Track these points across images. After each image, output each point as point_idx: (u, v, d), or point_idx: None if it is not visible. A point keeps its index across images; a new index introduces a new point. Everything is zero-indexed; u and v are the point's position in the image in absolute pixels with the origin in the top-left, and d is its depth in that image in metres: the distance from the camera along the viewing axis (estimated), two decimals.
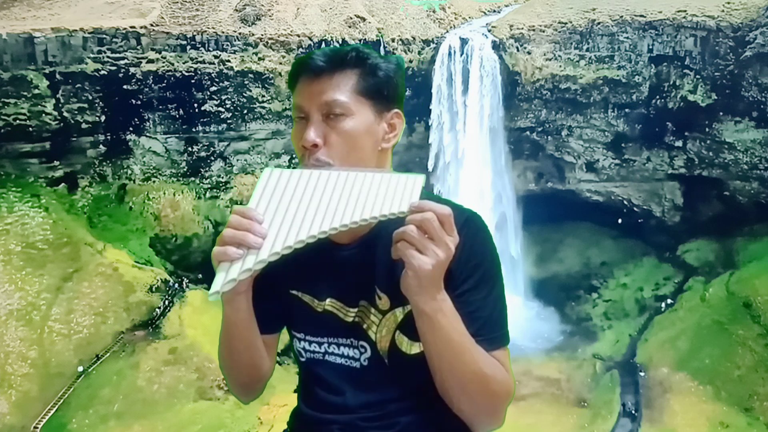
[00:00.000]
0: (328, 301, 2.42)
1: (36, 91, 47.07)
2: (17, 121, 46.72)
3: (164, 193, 50.74)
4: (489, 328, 2.22)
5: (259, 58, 51.59)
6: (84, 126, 48.85)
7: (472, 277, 2.22)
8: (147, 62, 49.80)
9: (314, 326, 2.45)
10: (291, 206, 2.02)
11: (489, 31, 55.11)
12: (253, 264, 1.92)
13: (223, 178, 52.33)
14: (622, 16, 52.19)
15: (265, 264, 1.95)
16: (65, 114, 48.26)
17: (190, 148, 51.76)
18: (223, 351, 2.42)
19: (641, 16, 51.77)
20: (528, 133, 55.41)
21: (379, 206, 2.02)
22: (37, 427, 36.44)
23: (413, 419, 2.38)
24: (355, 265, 2.35)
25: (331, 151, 2.25)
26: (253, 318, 2.33)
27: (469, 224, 2.24)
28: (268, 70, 51.48)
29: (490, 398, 2.18)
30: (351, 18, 53.56)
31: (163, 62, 50.17)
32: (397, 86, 2.38)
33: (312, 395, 2.51)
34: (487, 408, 2.21)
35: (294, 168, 2.19)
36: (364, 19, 53.77)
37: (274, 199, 2.04)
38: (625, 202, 55.24)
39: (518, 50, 53.77)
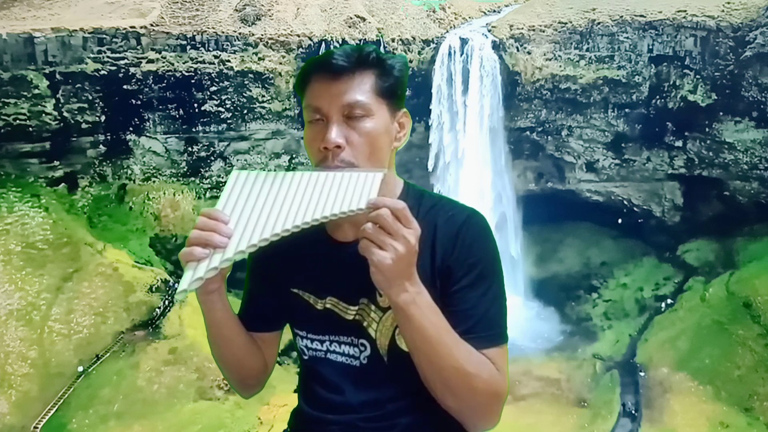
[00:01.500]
0: (328, 299, 2.43)
1: (36, 91, 47.07)
2: (17, 121, 46.71)
3: (164, 193, 50.75)
4: (483, 326, 2.22)
5: (259, 58, 51.58)
6: (84, 126, 48.85)
7: (469, 275, 2.24)
8: (147, 62, 49.81)
9: (315, 324, 2.47)
10: (256, 206, 2.08)
11: (489, 31, 55.09)
12: (219, 262, 1.99)
13: (223, 178, 52.26)
14: (622, 16, 52.18)
15: (231, 262, 2.01)
16: (65, 114, 48.26)
17: (190, 148, 51.77)
18: (211, 350, 2.48)
19: (641, 16, 51.77)
20: (528, 133, 55.41)
21: (339, 204, 2.07)
22: (37, 427, 36.42)
23: (412, 420, 2.38)
24: (356, 263, 2.32)
25: (355, 152, 2.26)
26: (233, 317, 2.38)
27: (468, 222, 2.27)
28: (268, 70, 51.46)
29: (472, 395, 2.16)
30: (351, 18, 53.56)
31: (163, 62, 50.17)
32: (405, 86, 2.42)
33: (312, 394, 2.52)
34: (471, 405, 2.20)
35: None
36: (364, 19, 53.76)
37: (240, 200, 2.10)
38: (625, 202, 55.23)
39: (518, 50, 53.77)
